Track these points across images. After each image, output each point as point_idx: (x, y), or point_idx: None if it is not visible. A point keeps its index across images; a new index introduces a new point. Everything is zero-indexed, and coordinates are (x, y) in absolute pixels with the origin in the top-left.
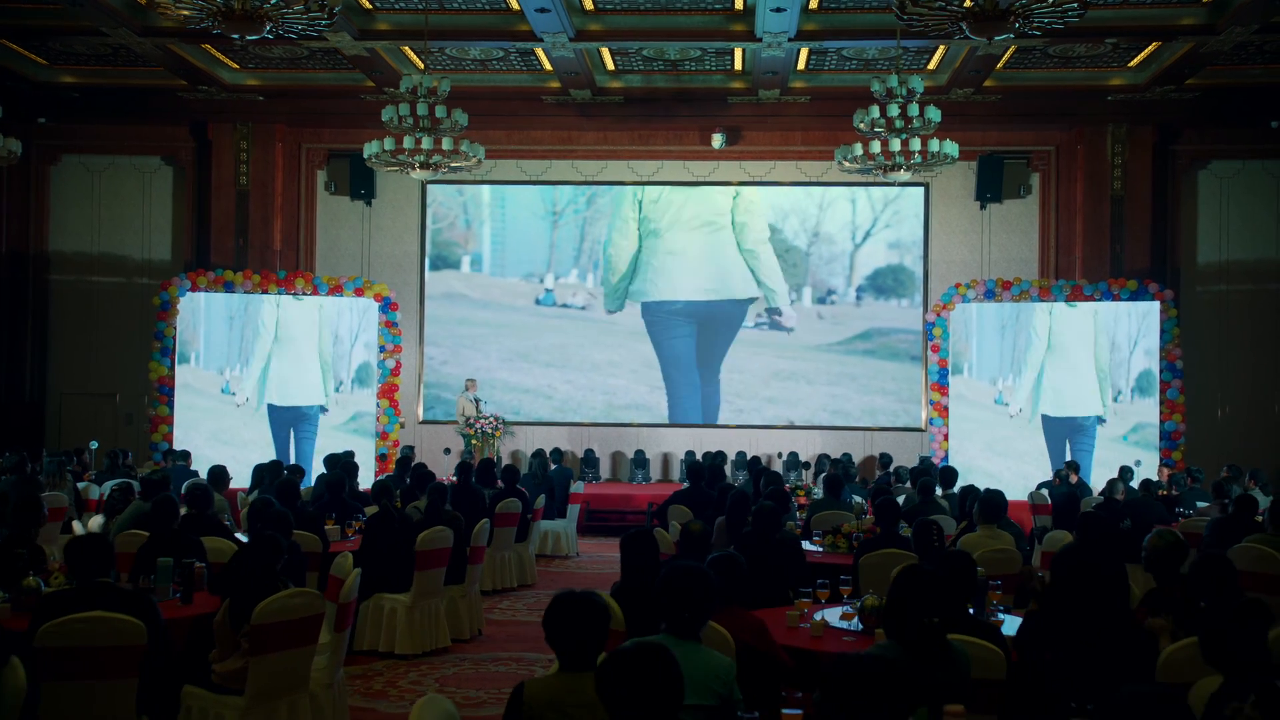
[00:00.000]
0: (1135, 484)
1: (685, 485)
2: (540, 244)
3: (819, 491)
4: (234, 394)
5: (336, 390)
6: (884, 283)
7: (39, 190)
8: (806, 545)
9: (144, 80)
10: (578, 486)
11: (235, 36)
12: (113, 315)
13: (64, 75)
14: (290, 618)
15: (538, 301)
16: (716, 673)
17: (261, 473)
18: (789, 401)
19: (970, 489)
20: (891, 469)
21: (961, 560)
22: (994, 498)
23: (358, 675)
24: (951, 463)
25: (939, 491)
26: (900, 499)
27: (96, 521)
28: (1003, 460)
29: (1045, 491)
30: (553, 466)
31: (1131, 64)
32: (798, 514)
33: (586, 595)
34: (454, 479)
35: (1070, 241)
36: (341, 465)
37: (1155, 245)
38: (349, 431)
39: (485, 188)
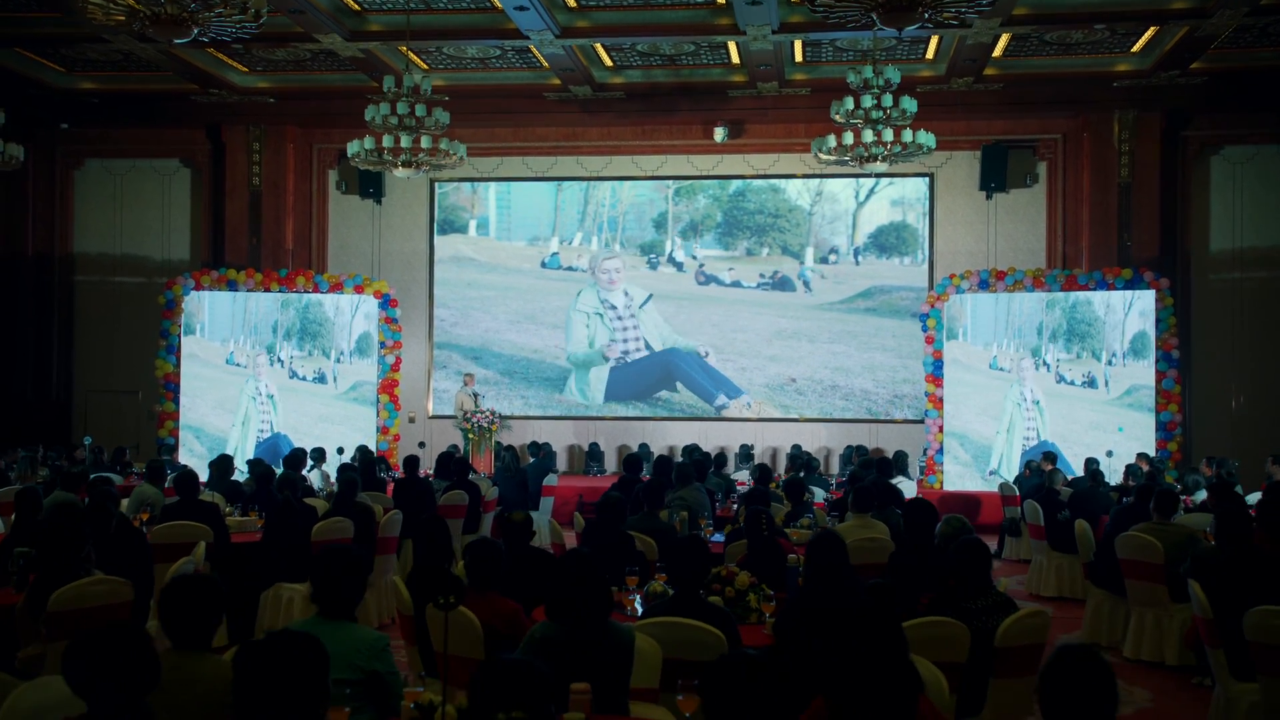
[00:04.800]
0: (1116, 476)
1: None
2: (545, 208)
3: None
4: (238, 365)
5: (336, 362)
6: (886, 240)
7: (64, 194)
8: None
9: (160, 85)
10: (551, 479)
11: (164, 40)
12: (135, 314)
13: (83, 82)
14: (89, 605)
15: (543, 265)
16: (359, 648)
17: (212, 466)
18: (790, 360)
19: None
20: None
21: (696, 545)
22: (866, 489)
23: None
24: (947, 433)
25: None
26: None
27: None
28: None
29: (1015, 483)
30: (531, 460)
31: (1134, 49)
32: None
33: (198, 578)
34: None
35: (1078, 230)
36: (287, 461)
37: (1164, 233)
38: (349, 401)
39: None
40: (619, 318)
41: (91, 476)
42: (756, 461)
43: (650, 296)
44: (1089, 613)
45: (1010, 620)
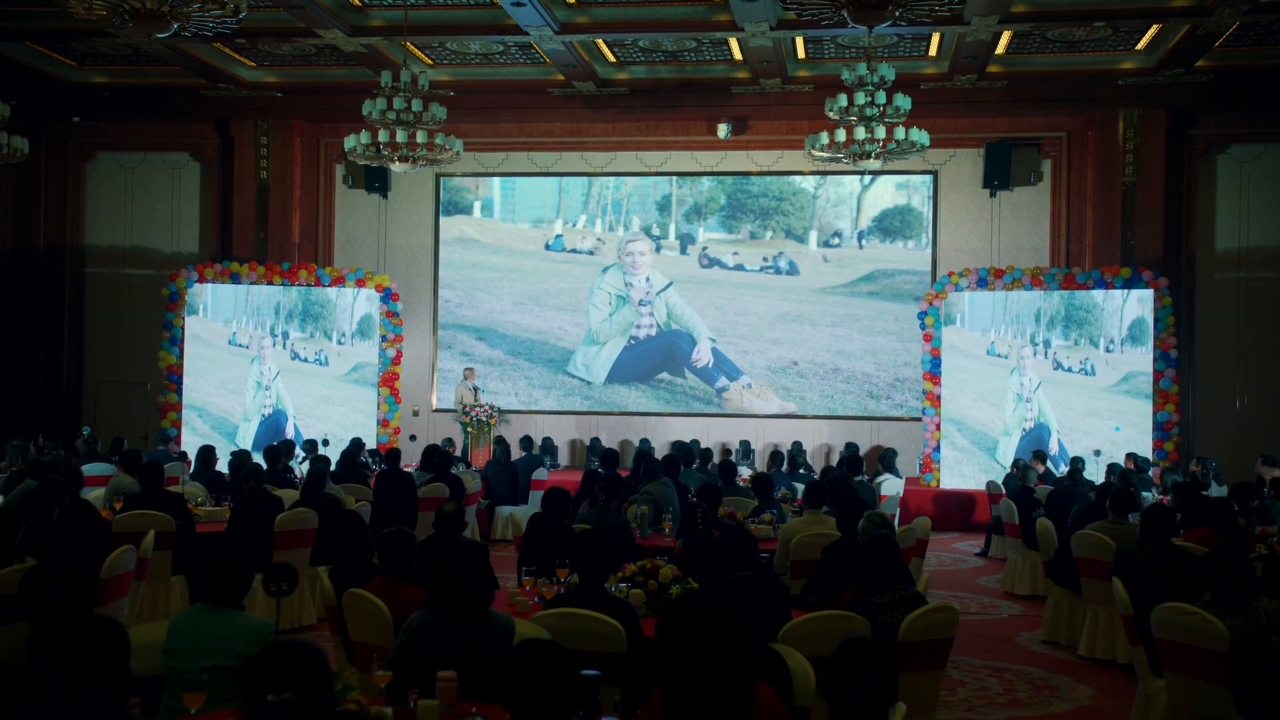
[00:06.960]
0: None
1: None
2: (549, 191)
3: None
4: (242, 345)
5: (339, 344)
6: (891, 224)
7: (75, 186)
8: None
9: (169, 79)
10: (541, 474)
11: (144, 35)
12: (144, 306)
13: (95, 76)
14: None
15: (547, 247)
16: (242, 635)
17: (196, 458)
18: (793, 343)
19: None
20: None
21: (600, 537)
22: (816, 485)
23: None
24: (945, 420)
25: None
26: None
27: None
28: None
29: (1004, 482)
30: (522, 454)
31: (1139, 47)
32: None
33: (65, 565)
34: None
35: (1082, 229)
36: (267, 452)
37: (1169, 232)
38: (350, 382)
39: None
40: (639, 301)
41: (63, 466)
42: (755, 458)
43: (670, 284)
44: (1048, 610)
45: (914, 615)
